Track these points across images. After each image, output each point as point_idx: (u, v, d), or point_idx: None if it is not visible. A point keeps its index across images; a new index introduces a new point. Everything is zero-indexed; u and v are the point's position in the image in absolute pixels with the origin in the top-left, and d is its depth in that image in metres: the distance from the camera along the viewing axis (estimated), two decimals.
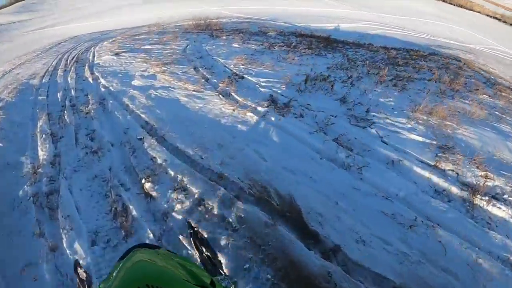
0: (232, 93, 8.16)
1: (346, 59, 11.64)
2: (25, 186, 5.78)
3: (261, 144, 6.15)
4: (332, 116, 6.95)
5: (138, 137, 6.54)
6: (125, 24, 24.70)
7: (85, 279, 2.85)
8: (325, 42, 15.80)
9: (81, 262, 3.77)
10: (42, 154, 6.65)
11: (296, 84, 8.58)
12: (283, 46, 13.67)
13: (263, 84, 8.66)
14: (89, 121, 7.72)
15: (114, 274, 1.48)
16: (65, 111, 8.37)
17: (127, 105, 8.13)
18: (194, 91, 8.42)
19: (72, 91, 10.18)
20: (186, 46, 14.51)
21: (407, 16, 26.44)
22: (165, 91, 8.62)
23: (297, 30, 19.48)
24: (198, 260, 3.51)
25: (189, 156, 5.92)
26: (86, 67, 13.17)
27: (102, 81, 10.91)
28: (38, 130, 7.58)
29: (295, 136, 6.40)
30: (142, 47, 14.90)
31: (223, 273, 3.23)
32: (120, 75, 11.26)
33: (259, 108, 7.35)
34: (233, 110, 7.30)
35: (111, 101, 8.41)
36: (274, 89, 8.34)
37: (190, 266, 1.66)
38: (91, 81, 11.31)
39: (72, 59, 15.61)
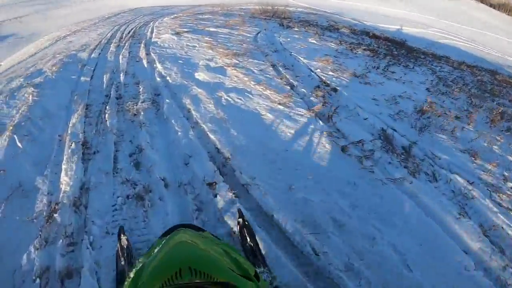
0: (333, 119, 5.45)
1: (436, 78, 8.69)
2: (32, 248, 3.22)
3: (393, 228, 3.63)
4: (468, 182, 4.40)
5: (206, 181, 3.83)
6: (187, 1, 21.97)
7: (125, 246, 2.35)
8: (404, 49, 12.76)
9: None
10: (65, 181, 4.09)
11: (407, 113, 5.94)
12: (366, 50, 10.63)
13: (364, 106, 5.86)
14: (136, 129, 5.16)
15: (156, 250, 1.38)
16: (107, 106, 5.91)
17: (189, 111, 5.61)
18: (279, 104, 5.79)
19: (121, 75, 7.77)
20: (257, 34, 11.58)
21: (475, 27, 22.46)
22: (240, 96, 5.96)
23: (368, 30, 16.34)
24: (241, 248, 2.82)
25: (293, 243, 3.22)
26: (142, 45, 10.40)
27: (159, 66, 8.21)
28: (69, 132, 5.05)
29: (436, 219, 3.83)
30: (207, 29, 12.08)
31: (263, 266, 2.58)
32: (181, 61, 8.50)
33: (376, 154, 4.75)
34: (343, 150, 4.56)
35: (167, 101, 5.88)
36: (382, 118, 5.65)
37: (235, 254, 1.42)
38: (145, 64, 8.59)
39: (129, 32, 12.90)
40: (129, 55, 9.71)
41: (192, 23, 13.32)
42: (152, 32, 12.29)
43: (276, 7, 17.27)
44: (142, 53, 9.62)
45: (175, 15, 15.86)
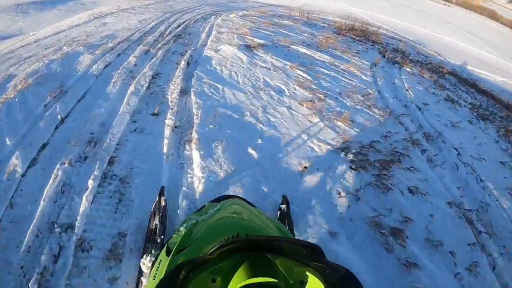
0: None
1: None
2: None
3: None
4: None
5: None
6: None
7: (162, 206, 1.94)
8: None
9: None
10: None
11: None
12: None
13: None
14: None
15: (210, 211, 1.12)
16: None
17: None
18: None
19: (113, 137, 2.72)
20: (371, 74, 5.64)
21: None
22: None
23: (462, 75, 10.01)
24: None
25: None
26: (183, 62, 4.73)
27: (194, 157, 2.68)
28: None
29: None
30: (293, 47, 6.15)
31: None
32: (248, 126, 3.04)
33: None
34: None
35: None
36: None
37: (285, 232, 1.11)
38: (165, 142, 2.97)
39: (177, 28, 7.04)
40: (151, 81, 4.03)
41: (267, 29, 7.37)
42: (209, 35, 6.46)
43: (363, 25, 11.07)
44: (173, 87, 3.91)
45: (245, 11, 9.87)
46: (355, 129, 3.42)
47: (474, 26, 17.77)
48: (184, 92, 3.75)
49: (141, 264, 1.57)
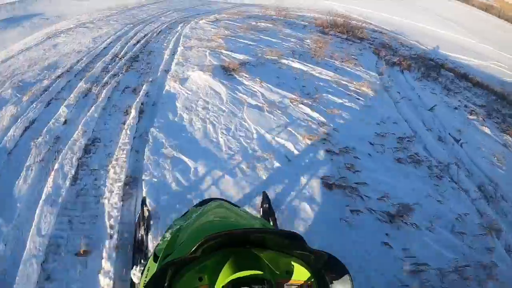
0: None
1: None
2: None
3: None
4: None
5: None
6: None
7: (146, 217, 1.76)
8: None
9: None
10: None
11: None
12: None
13: None
14: None
15: (194, 216, 1.04)
16: None
17: None
18: None
19: None
20: (389, 94, 4.06)
21: None
22: None
23: (448, 65, 8.71)
24: None
25: None
26: (133, 112, 2.96)
27: None
28: None
29: None
30: (283, 61, 4.46)
31: None
32: None
33: None
34: None
35: None
36: None
37: (268, 226, 1.09)
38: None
39: (134, 46, 5.17)
40: (73, 179, 2.32)
41: (246, 36, 5.64)
42: (174, 52, 4.73)
43: (345, 20, 9.49)
44: (115, 175, 2.20)
45: (216, 15, 8.03)
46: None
47: (446, 10, 16.37)
48: (133, 183, 2.07)
49: (132, 275, 1.35)
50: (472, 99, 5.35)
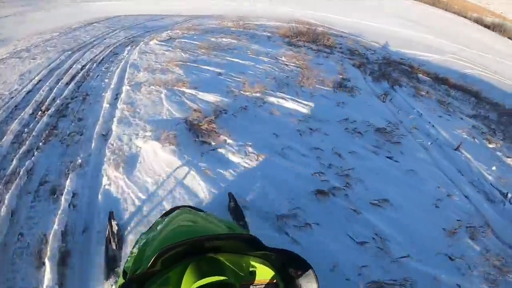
0: None
1: None
2: None
3: None
4: None
5: None
6: (181, 10, 11.98)
7: (116, 231, 1.57)
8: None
9: None
10: None
11: None
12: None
13: None
14: None
15: (159, 227, 0.93)
16: None
17: None
18: None
19: None
20: (412, 134, 2.88)
21: (482, 51, 13.90)
22: None
23: (411, 64, 8.05)
24: None
25: None
26: (48, 265, 1.56)
27: None
28: None
29: None
30: (270, 99, 3.11)
31: None
32: None
33: None
34: None
35: None
36: None
37: (234, 228, 0.97)
38: None
39: (65, 87, 3.57)
40: None
41: (210, 61, 4.19)
42: (116, 95, 3.16)
43: (308, 27, 8.39)
44: None
45: (169, 31, 6.42)
46: None
47: (395, 7, 15.86)
48: None
49: None
50: (464, 110, 4.41)
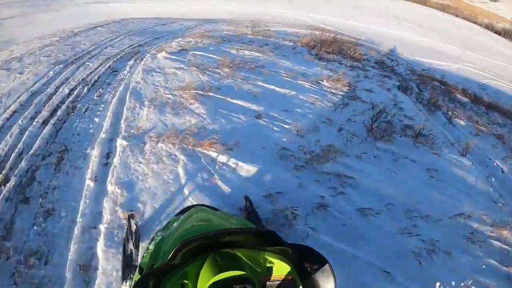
0: None
1: None
2: None
3: None
4: None
5: None
6: (193, 12, 10.50)
7: (134, 231, 1.44)
8: None
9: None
10: None
11: None
12: None
13: None
14: None
15: (175, 225, 0.85)
16: None
17: None
18: None
19: None
20: None
21: (496, 59, 12.33)
22: None
23: (443, 81, 6.71)
24: None
25: None
26: None
27: None
28: None
29: None
30: (355, 176, 1.83)
31: None
32: None
33: None
34: None
35: None
36: None
37: (249, 226, 0.84)
38: None
39: (38, 132, 2.28)
40: None
41: (239, 88, 2.87)
42: (108, 153, 1.85)
43: (332, 36, 7.04)
44: None
45: (180, 39, 5.04)
46: None
47: (406, 12, 14.34)
48: None
49: None
50: None
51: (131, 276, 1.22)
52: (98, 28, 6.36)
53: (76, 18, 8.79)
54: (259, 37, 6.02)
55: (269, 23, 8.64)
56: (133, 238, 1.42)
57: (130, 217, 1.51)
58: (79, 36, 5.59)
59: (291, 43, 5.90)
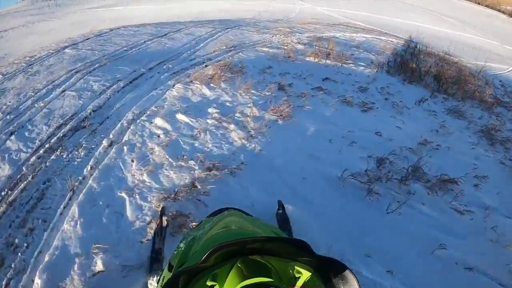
0: None
1: None
2: None
3: None
4: None
5: None
6: (200, 15, 7.45)
7: (165, 226, 1.33)
8: None
9: None
10: None
11: None
12: None
13: None
14: None
15: (207, 226, 0.79)
16: None
17: None
18: None
19: None
20: None
21: None
22: None
23: None
24: None
25: None
26: None
27: None
28: None
29: None
30: None
31: None
32: None
33: None
34: None
35: None
36: None
37: (281, 234, 0.76)
38: None
39: None
40: None
41: None
42: None
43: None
44: None
45: (204, 69, 2.25)
46: None
47: (446, 7, 11.17)
48: None
49: (149, 285, 1.13)
50: None
51: (159, 271, 1.13)
52: (67, 50, 3.55)
53: (75, 25, 7.23)
54: (327, 63, 3.18)
55: (309, 25, 5.67)
56: (162, 234, 1.30)
57: (162, 211, 1.37)
58: (84, 49, 3.11)
59: (366, 67, 3.07)
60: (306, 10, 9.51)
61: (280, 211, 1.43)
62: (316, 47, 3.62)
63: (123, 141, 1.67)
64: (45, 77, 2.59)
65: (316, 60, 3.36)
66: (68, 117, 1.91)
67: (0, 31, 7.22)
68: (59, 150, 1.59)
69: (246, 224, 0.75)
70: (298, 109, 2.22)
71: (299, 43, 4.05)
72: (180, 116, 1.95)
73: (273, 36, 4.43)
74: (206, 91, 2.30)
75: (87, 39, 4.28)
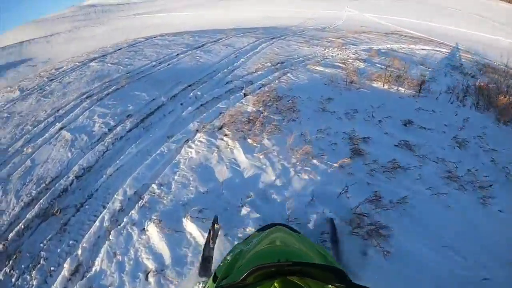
0: None
1: None
2: None
3: None
4: None
5: None
6: (240, 21, 6.83)
7: (217, 235, 1.29)
8: None
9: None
10: None
11: None
12: None
13: None
14: None
15: (255, 240, 0.78)
16: None
17: None
18: None
19: None
20: None
21: None
22: None
23: None
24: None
25: None
26: None
27: None
28: None
29: None
30: None
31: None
32: None
33: None
34: None
35: None
36: None
37: (326, 255, 0.75)
38: None
39: None
40: None
41: None
42: None
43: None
44: None
45: (210, 138, 1.70)
46: None
47: (489, 11, 9.34)
48: None
49: None
50: None
51: (206, 279, 1.13)
52: (92, 63, 3.14)
53: (118, 31, 7.06)
54: (401, 91, 2.27)
55: (361, 34, 4.71)
56: (214, 242, 1.27)
57: (215, 220, 1.32)
58: (56, 81, 2.55)
59: (485, 115, 2.07)
60: (354, 16, 8.56)
61: (331, 230, 1.30)
62: (380, 66, 2.72)
63: (92, 271, 1.02)
64: (54, 102, 2.10)
65: (386, 87, 2.48)
66: (44, 185, 1.31)
67: (48, 35, 7.33)
68: (8, 261, 0.98)
69: (292, 241, 0.73)
70: (394, 213, 1.31)
71: (357, 59, 3.18)
72: (189, 226, 1.28)
73: (325, 49, 3.61)
74: (241, 156, 1.55)
75: (118, 49, 3.87)
